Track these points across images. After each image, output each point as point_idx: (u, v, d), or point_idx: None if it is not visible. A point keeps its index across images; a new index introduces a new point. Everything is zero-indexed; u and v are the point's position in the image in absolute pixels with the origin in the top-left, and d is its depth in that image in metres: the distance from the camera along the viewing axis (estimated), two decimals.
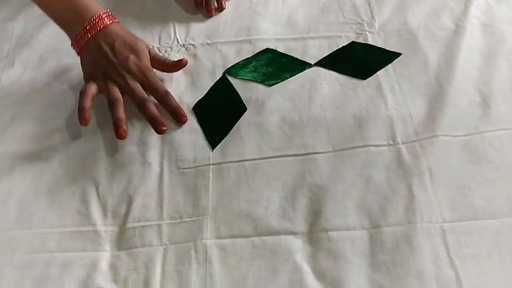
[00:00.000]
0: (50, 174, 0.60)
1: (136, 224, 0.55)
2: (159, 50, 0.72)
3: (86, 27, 0.63)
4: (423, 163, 0.56)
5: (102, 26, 0.63)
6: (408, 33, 0.69)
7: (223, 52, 0.70)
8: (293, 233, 0.53)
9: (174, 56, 0.70)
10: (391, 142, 0.58)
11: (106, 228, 0.55)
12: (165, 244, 0.53)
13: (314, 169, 0.57)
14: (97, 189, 0.58)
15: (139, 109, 0.62)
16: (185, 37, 0.73)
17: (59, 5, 0.64)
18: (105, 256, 0.53)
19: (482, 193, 0.53)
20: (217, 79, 0.67)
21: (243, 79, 0.66)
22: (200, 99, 0.65)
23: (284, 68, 0.67)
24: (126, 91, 0.62)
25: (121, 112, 0.61)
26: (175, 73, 0.68)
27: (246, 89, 0.65)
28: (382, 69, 0.65)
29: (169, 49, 0.71)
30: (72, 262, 0.52)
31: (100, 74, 0.63)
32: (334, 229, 0.52)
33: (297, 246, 0.52)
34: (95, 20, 0.63)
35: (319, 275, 0.50)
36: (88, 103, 0.61)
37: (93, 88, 0.63)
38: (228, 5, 0.76)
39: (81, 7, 0.64)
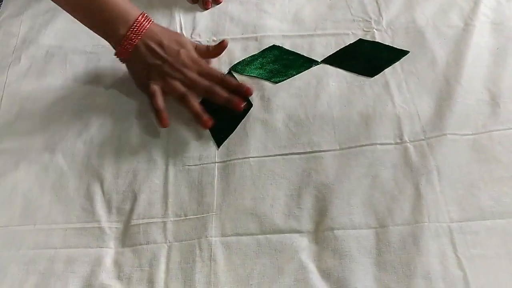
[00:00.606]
0: (55, 170, 0.59)
1: (140, 221, 0.54)
2: None
3: (131, 33, 0.62)
4: (430, 162, 0.55)
5: (144, 28, 0.62)
6: (416, 30, 0.68)
7: (229, 49, 0.69)
8: (298, 231, 0.52)
9: None
10: (398, 141, 0.57)
11: (110, 225, 0.55)
12: (169, 242, 0.53)
13: (320, 167, 0.56)
14: (101, 186, 0.57)
15: (209, 97, 0.62)
16: (191, 34, 0.72)
17: (97, 13, 0.62)
18: (109, 253, 0.53)
19: (490, 192, 0.52)
20: None
21: (249, 76, 0.66)
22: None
23: (290, 65, 0.66)
24: (188, 84, 0.62)
25: (197, 104, 0.61)
26: None
27: (252, 86, 0.64)
28: (390, 67, 0.64)
29: None
30: (76, 259, 0.52)
31: (156, 74, 0.62)
32: (340, 228, 0.52)
33: (303, 244, 0.51)
34: (137, 23, 0.62)
35: (325, 274, 0.49)
36: (161, 103, 0.61)
37: (158, 88, 0.62)
38: (234, 2, 0.76)
39: (120, 13, 0.62)
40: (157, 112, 0.61)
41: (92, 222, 0.55)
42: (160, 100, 0.61)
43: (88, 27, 0.64)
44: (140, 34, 0.62)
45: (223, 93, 0.61)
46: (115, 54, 0.64)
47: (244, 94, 0.62)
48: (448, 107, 0.59)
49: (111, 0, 0.61)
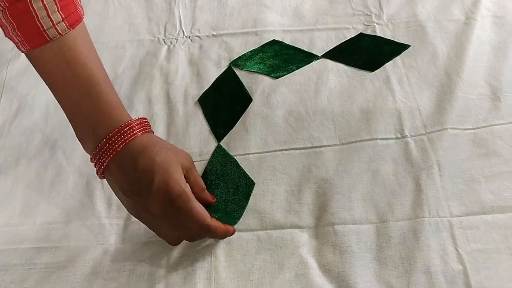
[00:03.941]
0: (55, 166, 0.59)
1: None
2: (164, 42, 0.71)
3: (110, 139, 0.46)
4: (431, 156, 0.55)
5: (128, 139, 0.47)
6: (417, 24, 0.68)
7: (229, 44, 0.69)
8: (299, 227, 0.52)
9: (180, 48, 0.70)
10: (399, 135, 0.57)
11: (110, 221, 0.55)
12: None
13: (321, 163, 0.56)
14: (101, 182, 0.57)
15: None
16: (191, 29, 0.72)
17: (79, 106, 0.47)
18: (109, 249, 0.53)
19: (490, 187, 0.52)
20: (223, 71, 0.66)
21: (249, 71, 0.66)
22: (206, 91, 0.64)
23: (290, 60, 0.66)
24: (174, 228, 0.49)
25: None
26: (181, 64, 0.68)
27: (252, 81, 0.64)
28: (390, 61, 0.64)
29: (175, 41, 0.71)
30: (76, 255, 0.52)
31: (132, 211, 0.49)
32: (340, 223, 0.52)
33: (303, 240, 0.51)
34: (121, 131, 0.47)
35: (325, 269, 0.49)
36: (211, 228, 0.48)
37: (167, 232, 0.50)
38: None
39: (105, 113, 0.47)
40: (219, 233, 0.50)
41: (92, 219, 0.55)
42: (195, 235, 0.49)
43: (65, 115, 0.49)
44: (112, 153, 0.46)
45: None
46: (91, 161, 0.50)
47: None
48: (449, 101, 0.59)
49: (99, 96, 0.47)
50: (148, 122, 0.50)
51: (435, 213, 0.51)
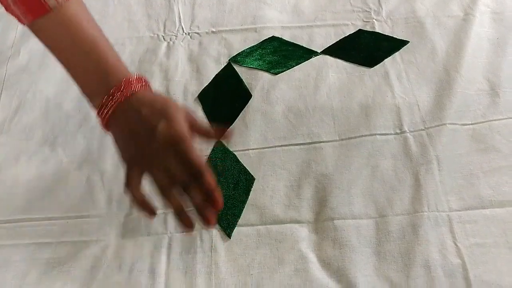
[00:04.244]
0: (55, 162, 0.60)
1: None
2: (164, 39, 0.71)
3: (113, 94, 0.50)
4: (430, 152, 0.55)
5: (128, 93, 0.50)
6: (415, 21, 0.68)
7: (229, 40, 0.69)
8: (298, 222, 0.53)
9: (179, 45, 0.70)
10: (398, 131, 0.58)
11: (111, 217, 0.55)
12: (170, 233, 0.53)
13: (320, 158, 0.57)
14: (102, 178, 0.58)
15: (161, 196, 0.49)
16: (190, 26, 0.72)
17: (84, 66, 0.52)
18: (110, 245, 0.53)
19: (489, 182, 0.53)
20: (222, 67, 0.66)
21: (248, 67, 0.66)
22: (205, 87, 0.65)
23: (290, 56, 0.66)
24: (166, 173, 0.49)
25: (176, 201, 0.48)
26: (180, 61, 0.68)
27: (251, 77, 0.65)
28: (389, 57, 0.64)
29: (174, 38, 0.71)
30: (77, 250, 0.53)
31: (133, 156, 0.50)
32: (340, 218, 0.52)
33: (303, 235, 0.52)
34: (122, 86, 0.50)
35: (325, 263, 0.50)
36: (139, 195, 0.49)
37: (135, 176, 0.50)
38: None
39: (108, 70, 0.51)
40: (137, 206, 0.49)
41: (92, 214, 0.55)
42: (137, 193, 0.49)
43: (71, 78, 0.53)
44: (117, 102, 0.50)
45: (195, 198, 0.48)
46: (97, 116, 0.52)
47: (211, 203, 0.48)
48: (447, 97, 0.59)
49: (100, 55, 0.51)
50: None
51: (434, 208, 0.51)
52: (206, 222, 0.47)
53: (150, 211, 0.49)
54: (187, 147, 0.48)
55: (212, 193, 0.48)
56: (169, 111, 0.49)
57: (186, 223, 0.47)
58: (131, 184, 0.49)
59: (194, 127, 0.51)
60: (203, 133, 0.52)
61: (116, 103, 0.50)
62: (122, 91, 0.50)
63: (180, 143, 0.48)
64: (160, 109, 0.50)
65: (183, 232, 0.52)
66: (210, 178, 0.48)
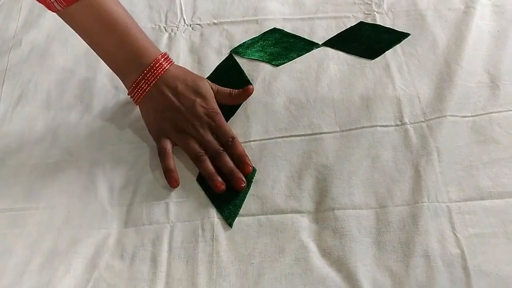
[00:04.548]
0: (57, 152, 0.60)
1: (143, 202, 0.55)
2: (166, 30, 0.71)
3: (146, 74, 0.57)
4: (430, 143, 0.55)
5: (162, 71, 0.57)
6: (416, 13, 0.68)
7: (230, 32, 0.70)
8: (299, 212, 0.53)
9: (181, 36, 0.70)
10: (398, 123, 0.58)
11: (113, 206, 0.55)
12: (172, 222, 0.53)
13: (321, 149, 0.57)
14: (103, 167, 0.58)
15: (213, 161, 0.56)
16: (192, 17, 0.72)
17: (114, 47, 0.57)
18: (112, 233, 0.53)
19: (488, 173, 0.53)
20: (224, 59, 0.67)
21: (249, 58, 0.66)
22: (206, 78, 0.65)
23: (291, 48, 0.66)
24: (200, 142, 0.57)
25: (210, 166, 0.55)
26: (182, 52, 0.68)
27: (252, 68, 0.65)
28: (390, 49, 0.65)
29: (176, 29, 0.71)
30: (79, 239, 0.53)
31: (169, 126, 0.58)
32: (340, 208, 0.52)
33: (303, 224, 0.52)
34: (155, 65, 0.57)
35: (325, 253, 0.50)
36: (172, 163, 0.56)
37: (169, 144, 0.57)
38: None
39: (138, 50, 0.57)
40: (166, 172, 0.56)
41: (94, 203, 0.55)
42: (170, 161, 0.56)
43: (104, 61, 0.59)
44: (154, 79, 0.57)
45: (229, 163, 0.56)
46: (128, 94, 0.59)
47: (241, 168, 0.55)
48: (448, 89, 0.60)
49: (130, 36, 0.57)
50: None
51: (434, 199, 0.52)
52: (239, 183, 0.54)
53: (175, 181, 0.55)
54: (220, 120, 0.58)
55: (243, 158, 0.56)
56: (202, 89, 0.59)
57: (217, 185, 0.54)
58: (166, 152, 0.57)
59: (219, 95, 0.60)
60: (228, 99, 0.61)
61: (151, 83, 0.57)
62: (154, 70, 0.57)
63: (215, 117, 0.58)
64: (193, 86, 0.58)
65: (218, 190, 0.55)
66: (241, 146, 0.57)
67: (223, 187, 0.54)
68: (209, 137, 0.57)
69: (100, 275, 0.50)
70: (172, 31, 0.71)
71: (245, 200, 0.54)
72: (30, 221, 0.54)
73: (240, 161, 0.56)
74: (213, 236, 0.52)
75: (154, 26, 0.72)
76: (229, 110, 0.61)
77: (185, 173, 0.57)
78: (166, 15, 0.73)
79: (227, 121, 0.60)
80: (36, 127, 0.62)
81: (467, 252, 0.48)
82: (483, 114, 0.57)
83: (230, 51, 0.67)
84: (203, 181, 0.56)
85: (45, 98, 0.65)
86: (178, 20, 0.72)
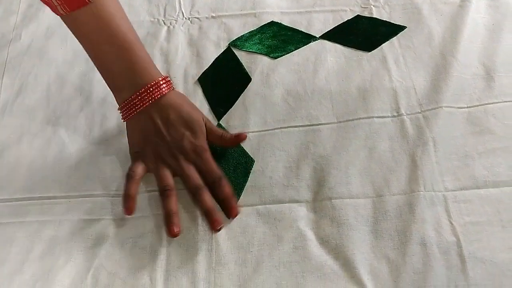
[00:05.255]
0: (57, 143, 0.60)
1: (144, 192, 0.55)
2: (164, 23, 0.72)
3: (142, 94, 0.54)
4: (426, 133, 0.56)
5: (158, 94, 0.55)
6: (413, 7, 0.69)
7: (228, 25, 0.70)
8: (297, 201, 0.54)
9: (179, 29, 0.71)
10: (395, 114, 0.59)
11: (114, 196, 0.56)
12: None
13: (318, 140, 0.58)
14: (104, 158, 0.58)
15: (193, 198, 0.53)
16: (190, 10, 0.73)
17: (111, 61, 0.55)
18: (112, 222, 0.54)
19: (484, 163, 0.54)
20: (222, 51, 0.67)
21: (248, 51, 0.67)
22: (205, 71, 0.65)
23: (289, 40, 0.67)
24: (180, 176, 0.54)
25: (174, 204, 0.53)
26: (180, 45, 0.69)
27: (251, 61, 0.65)
28: (387, 42, 0.65)
29: (174, 22, 0.72)
30: (80, 228, 0.53)
31: (150, 152, 0.55)
32: (338, 198, 0.53)
33: (301, 213, 0.53)
34: (152, 87, 0.55)
35: (323, 241, 0.51)
36: (135, 189, 0.54)
37: (141, 170, 0.55)
38: None
39: (135, 68, 0.55)
40: (125, 197, 0.53)
41: (95, 193, 0.56)
42: (132, 187, 0.53)
43: (100, 73, 0.57)
44: (149, 101, 0.55)
45: (208, 202, 0.52)
46: (118, 110, 0.57)
47: (227, 211, 0.53)
48: (444, 81, 0.60)
49: (130, 52, 0.55)
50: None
51: (430, 188, 0.52)
52: (214, 226, 0.51)
53: (129, 209, 0.52)
54: (208, 158, 0.55)
55: (229, 201, 0.53)
56: (194, 123, 0.56)
57: (171, 228, 0.51)
58: (133, 177, 0.54)
59: (210, 135, 0.57)
60: (218, 140, 0.57)
61: (144, 104, 0.55)
62: (150, 92, 0.54)
63: (202, 154, 0.55)
64: (186, 118, 0.55)
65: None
66: (228, 187, 0.54)
67: (177, 230, 0.51)
68: (191, 171, 0.54)
69: (101, 264, 0.51)
70: (170, 24, 0.72)
71: (244, 191, 0.55)
72: (31, 211, 0.55)
73: (226, 202, 0.53)
74: None
75: (152, 19, 0.72)
76: (228, 101, 0.62)
77: None
78: (164, 8, 0.74)
79: (225, 113, 0.61)
80: (36, 119, 0.63)
81: (462, 240, 0.49)
82: (478, 105, 0.58)
83: (229, 44, 0.68)
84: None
85: (45, 90, 0.66)
86: (177, 13, 0.73)
